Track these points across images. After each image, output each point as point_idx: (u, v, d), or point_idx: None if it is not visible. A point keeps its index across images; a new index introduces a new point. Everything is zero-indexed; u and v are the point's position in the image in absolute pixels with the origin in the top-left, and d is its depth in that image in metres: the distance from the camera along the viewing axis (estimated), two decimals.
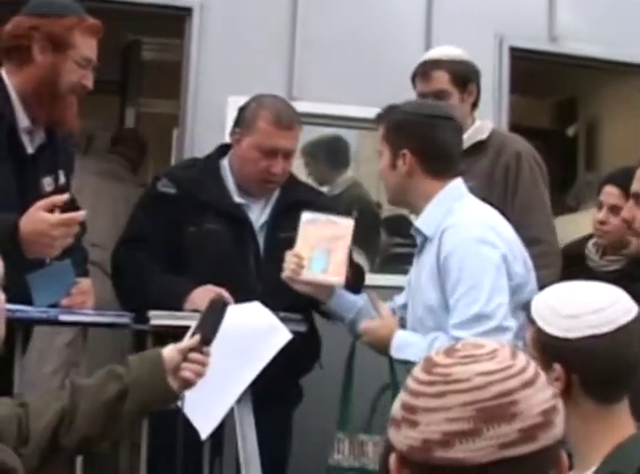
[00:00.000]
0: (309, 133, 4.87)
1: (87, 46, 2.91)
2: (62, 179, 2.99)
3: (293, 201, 3.29)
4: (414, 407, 1.21)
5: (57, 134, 2.97)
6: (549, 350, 1.77)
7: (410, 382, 1.25)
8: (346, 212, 3.52)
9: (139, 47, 6.21)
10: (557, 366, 1.76)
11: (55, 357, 4.70)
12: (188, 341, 2.21)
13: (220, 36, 4.37)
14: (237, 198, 3.28)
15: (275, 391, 2.99)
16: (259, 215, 3.29)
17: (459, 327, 2.61)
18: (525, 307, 1.90)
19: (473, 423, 1.17)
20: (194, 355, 2.18)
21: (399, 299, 3.08)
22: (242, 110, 3.32)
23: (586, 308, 1.77)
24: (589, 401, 1.77)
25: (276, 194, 3.34)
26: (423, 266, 2.83)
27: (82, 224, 2.97)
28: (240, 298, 2.96)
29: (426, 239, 2.82)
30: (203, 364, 2.20)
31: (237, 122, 3.31)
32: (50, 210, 2.62)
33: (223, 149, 3.42)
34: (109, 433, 2.08)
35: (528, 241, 2.96)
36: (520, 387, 1.19)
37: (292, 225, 3.15)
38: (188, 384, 2.17)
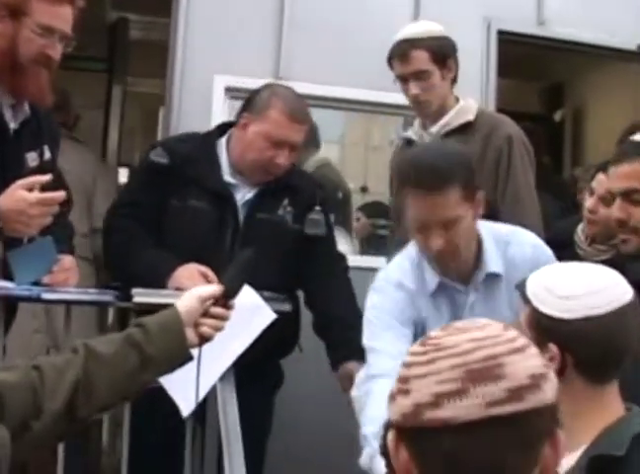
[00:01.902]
0: None
1: (46, 14, 2.74)
2: (47, 154, 2.95)
3: (281, 185, 3.29)
4: (407, 377, 1.25)
5: (41, 109, 2.93)
6: (544, 329, 1.78)
7: (406, 356, 1.28)
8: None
9: (126, 26, 6.17)
10: (552, 346, 1.76)
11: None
12: (210, 289, 2.12)
13: (208, 15, 4.35)
14: (227, 177, 3.28)
15: (254, 371, 2.99)
16: (243, 194, 3.28)
17: None
18: (519, 287, 1.90)
19: (461, 383, 1.20)
20: (215, 310, 2.09)
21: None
22: (253, 95, 3.31)
23: (583, 289, 1.77)
24: (581, 381, 1.78)
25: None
26: (497, 302, 2.73)
27: (69, 200, 2.96)
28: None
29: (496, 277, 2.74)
30: (224, 319, 2.11)
31: (246, 107, 3.29)
32: (32, 189, 2.60)
33: (223, 128, 3.42)
34: (126, 401, 2.00)
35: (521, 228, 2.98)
36: (507, 352, 1.23)
37: (273, 207, 3.18)
38: (206, 339, 2.08)
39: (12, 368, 1.83)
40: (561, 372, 1.75)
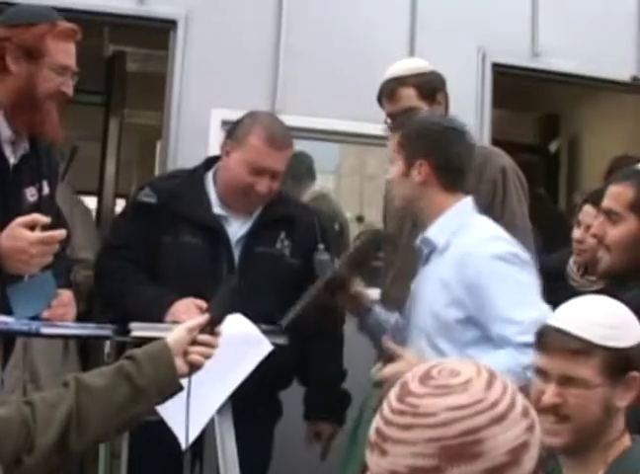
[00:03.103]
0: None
1: (62, 52, 2.83)
2: (46, 189, 2.97)
3: (276, 217, 3.28)
4: (385, 435, 1.22)
5: (40, 144, 2.95)
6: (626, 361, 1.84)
7: (384, 407, 1.25)
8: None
9: (124, 59, 6.20)
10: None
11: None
12: (197, 319, 2.16)
13: (204, 48, 4.38)
14: (216, 210, 3.26)
15: (251, 403, 2.99)
16: (238, 228, 3.26)
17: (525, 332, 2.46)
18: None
19: (437, 460, 1.17)
20: (202, 337, 2.12)
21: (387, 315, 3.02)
22: (237, 123, 3.30)
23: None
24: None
25: (259, 209, 3.30)
26: (429, 276, 2.81)
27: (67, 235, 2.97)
28: None
29: (433, 250, 2.81)
30: (212, 346, 2.14)
31: (229, 134, 3.29)
32: (32, 227, 2.61)
33: (210, 162, 3.40)
34: (119, 434, 2.01)
35: None
36: (487, 424, 1.19)
37: (270, 240, 3.17)
38: (196, 368, 2.10)
39: (4, 403, 1.84)
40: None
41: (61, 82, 2.84)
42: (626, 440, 1.85)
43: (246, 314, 2.91)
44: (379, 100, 3.37)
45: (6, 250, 2.57)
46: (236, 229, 3.25)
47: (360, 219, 5.50)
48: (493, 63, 4.70)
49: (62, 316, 2.84)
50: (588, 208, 3.40)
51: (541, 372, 1.87)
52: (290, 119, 3.82)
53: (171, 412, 2.33)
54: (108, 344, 4.84)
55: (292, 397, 3.46)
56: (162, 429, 2.66)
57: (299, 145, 4.83)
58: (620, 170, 2.95)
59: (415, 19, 4.59)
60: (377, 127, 4.16)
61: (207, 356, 2.13)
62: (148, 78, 5.92)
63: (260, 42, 4.44)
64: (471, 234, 2.76)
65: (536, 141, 7.31)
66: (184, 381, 2.09)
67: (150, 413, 2.09)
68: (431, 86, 3.32)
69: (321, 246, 3.23)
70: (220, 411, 2.88)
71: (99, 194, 6.36)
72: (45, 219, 2.64)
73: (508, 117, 6.42)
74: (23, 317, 2.73)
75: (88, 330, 2.95)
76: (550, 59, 4.80)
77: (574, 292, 3.19)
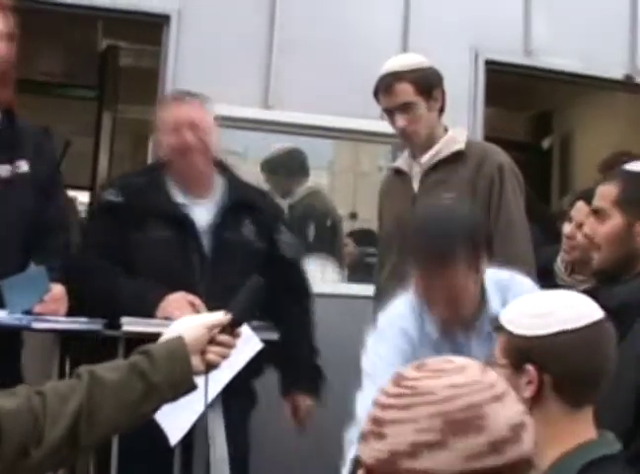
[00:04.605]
0: (285, 143, 4.91)
1: None
2: (24, 167, 2.98)
3: (238, 202, 3.33)
4: (382, 420, 1.21)
5: (23, 124, 2.95)
6: (520, 351, 1.79)
7: (379, 396, 1.25)
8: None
9: (117, 53, 6.19)
10: (529, 367, 1.77)
11: None
12: (217, 318, 2.11)
13: (197, 43, 4.38)
14: (178, 199, 3.29)
15: (226, 395, 2.99)
16: (203, 216, 3.28)
17: None
18: (492, 322, 1.91)
19: (441, 434, 1.17)
20: (222, 338, 2.07)
21: None
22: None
23: (555, 306, 1.79)
24: (558, 404, 1.78)
25: (219, 194, 3.34)
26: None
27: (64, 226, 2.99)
28: None
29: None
30: (230, 347, 2.09)
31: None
32: None
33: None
34: (128, 430, 1.98)
35: (513, 256, 3.04)
36: (488, 401, 1.20)
37: (236, 226, 3.23)
38: (212, 367, 2.05)
39: (14, 394, 1.79)
40: (538, 397, 1.76)
41: None
42: None
43: (223, 304, 2.94)
44: (376, 94, 3.37)
45: None
46: (200, 217, 3.28)
47: (353, 216, 5.49)
48: (486, 61, 4.71)
49: (54, 311, 2.85)
50: (580, 205, 3.40)
51: None
52: (284, 116, 3.84)
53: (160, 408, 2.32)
54: None
55: None
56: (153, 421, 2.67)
57: (293, 141, 4.86)
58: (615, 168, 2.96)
59: (408, 16, 4.60)
60: (371, 124, 4.21)
61: (225, 357, 2.09)
62: (141, 73, 5.91)
63: (253, 38, 4.44)
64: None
65: (529, 139, 7.32)
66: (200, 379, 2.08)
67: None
68: (427, 82, 3.33)
69: (282, 227, 3.37)
70: (210, 406, 2.88)
71: (91, 188, 6.36)
72: None
73: (500, 114, 6.42)
74: (15, 311, 2.74)
75: (79, 324, 2.94)
76: (543, 57, 4.81)
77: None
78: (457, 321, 2.69)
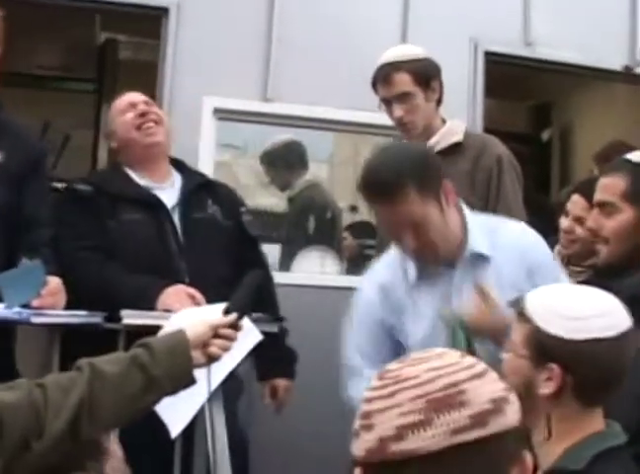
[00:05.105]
0: (284, 135, 4.91)
1: None
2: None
3: (197, 183, 3.43)
4: (369, 412, 1.25)
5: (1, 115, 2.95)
6: (545, 349, 1.79)
7: (366, 392, 1.28)
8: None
9: (116, 47, 6.19)
10: (554, 367, 1.77)
11: None
12: (223, 319, 2.17)
13: (196, 36, 4.38)
14: (142, 182, 3.35)
15: None
16: (167, 198, 3.33)
17: None
18: (514, 304, 1.90)
19: (424, 413, 1.21)
20: (224, 331, 2.13)
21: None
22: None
23: (589, 312, 1.79)
24: (576, 404, 1.80)
25: (178, 179, 3.42)
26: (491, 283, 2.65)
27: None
28: (170, 280, 3.08)
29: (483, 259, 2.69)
30: (232, 340, 2.15)
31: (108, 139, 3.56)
32: None
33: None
34: (130, 422, 1.99)
35: None
36: (468, 378, 1.24)
37: (202, 206, 3.34)
38: (214, 359, 2.11)
39: (15, 387, 1.80)
40: (558, 394, 1.77)
41: None
42: None
43: (205, 280, 3.08)
44: (374, 85, 3.40)
45: None
46: (166, 199, 3.33)
47: (353, 209, 5.49)
48: (485, 52, 4.70)
49: (52, 305, 2.83)
50: (576, 198, 3.39)
51: None
52: (283, 108, 3.83)
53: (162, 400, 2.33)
54: None
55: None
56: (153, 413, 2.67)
57: (292, 134, 4.86)
58: (610, 162, 2.94)
59: (407, 7, 4.59)
60: (371, 116, 4.20)
61: (227, 350, 2.14)
62: (140, 66, 5.90)
63: (252, 30, 4.44)
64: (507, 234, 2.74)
65: (528, 130, 7.32)
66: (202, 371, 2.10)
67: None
68: (425, 72, 3.35)
69: (243, 208, 3.49)
70: (211, 398, 2.88)
71: None
72: None
73: (500, 106, 6.42)
74: (13, 305, 2.73)
75: (79, 318, 2.94)
76: (543, 48, 4.80)
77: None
78: (432, 258, 2.66)
